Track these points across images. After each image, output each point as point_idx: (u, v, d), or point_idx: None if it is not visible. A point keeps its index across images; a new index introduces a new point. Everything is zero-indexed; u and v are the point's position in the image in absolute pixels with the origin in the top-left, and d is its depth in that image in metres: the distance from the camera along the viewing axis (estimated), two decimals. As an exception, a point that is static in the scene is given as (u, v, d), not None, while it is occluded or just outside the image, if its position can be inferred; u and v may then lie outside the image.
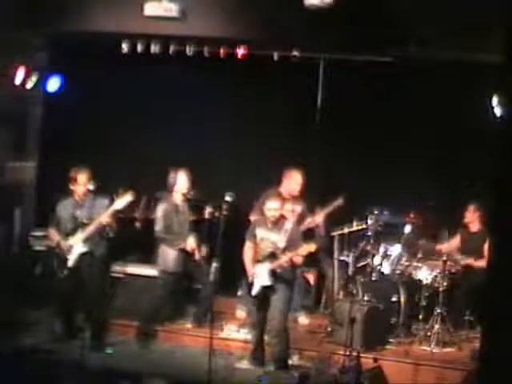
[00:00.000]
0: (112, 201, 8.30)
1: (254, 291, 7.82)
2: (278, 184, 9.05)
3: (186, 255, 8.65)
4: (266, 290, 7.78)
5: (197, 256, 8.69)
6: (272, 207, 7.88)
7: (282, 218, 8.00)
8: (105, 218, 8.21)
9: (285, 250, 7.74)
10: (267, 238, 7.87)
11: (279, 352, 7.83)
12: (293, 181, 9.03)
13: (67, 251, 8.25)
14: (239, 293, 9.14)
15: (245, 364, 8.04)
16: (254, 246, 7.94)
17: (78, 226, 8.27)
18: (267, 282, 7.75)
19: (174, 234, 8.65)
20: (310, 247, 7.73)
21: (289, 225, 7.93)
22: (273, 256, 7.77)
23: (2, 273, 9.04)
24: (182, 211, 8.79)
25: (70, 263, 8.22)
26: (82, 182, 8.32)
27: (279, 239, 7.78)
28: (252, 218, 9.05)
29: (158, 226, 8.62)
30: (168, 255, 8.59)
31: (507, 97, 5.07)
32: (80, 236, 8.25)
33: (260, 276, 7.77)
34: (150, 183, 9.47)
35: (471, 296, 8.62)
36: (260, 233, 7.93)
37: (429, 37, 8.09)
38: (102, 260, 8.51)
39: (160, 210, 8.66)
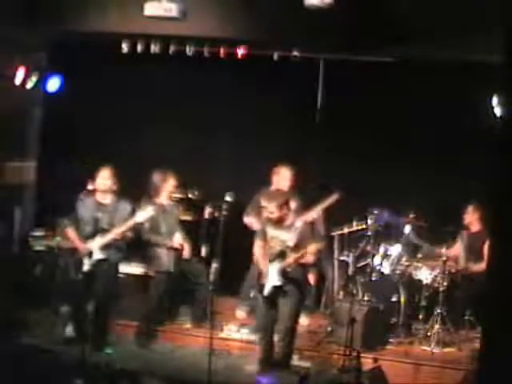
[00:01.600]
0: (133, 210, 8.21)
1: (266, 291, 7.72)
2: (269, 183, 9.05)
3: (178, 254, 8.61)
4: (277, 291, 7.69)
5: (185, 252, 8.64)
6: (274, 207, 7.78)
7: (291, 216, 7.89)
8: (125, 229, 8.13)
9: (294, 248, 7.64)
10: (276, 236, 7.76)
11: (285, 353, 7.78)
12: (282, 178, 9.02)
13: (84, 255, 8.12)
14: (252, 294, 8.79)
15: (255, 367, 7.88)
16: (265, 244, 7.83)
17: (97, 230, 8.12)
18: (277, 281, 7.66)
19: (163, 234, 8.60)
20: (318, 245, 7.70)
21: (299, 223, 7.86)
22: (282, 255, 7.67)
23: (2, 273, 9.03)
24: (170, 211, 8.74)
25: (86, 268, 8.08)
26: (104, 179, 8.19)
27: (289, 238, 7.68)
28: (246, 219, 9.04)
29: (144, 229, 8.53)
30: (159, 255, 8.55)
31: (507, 97, 5.06)
32: (99, 241, 8.11)
33: (270, 276, 7.68)
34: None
35: (471, 296, 8.61)
36: (270, 231, 7.81)
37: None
38: (117, 265, 8.46)
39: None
